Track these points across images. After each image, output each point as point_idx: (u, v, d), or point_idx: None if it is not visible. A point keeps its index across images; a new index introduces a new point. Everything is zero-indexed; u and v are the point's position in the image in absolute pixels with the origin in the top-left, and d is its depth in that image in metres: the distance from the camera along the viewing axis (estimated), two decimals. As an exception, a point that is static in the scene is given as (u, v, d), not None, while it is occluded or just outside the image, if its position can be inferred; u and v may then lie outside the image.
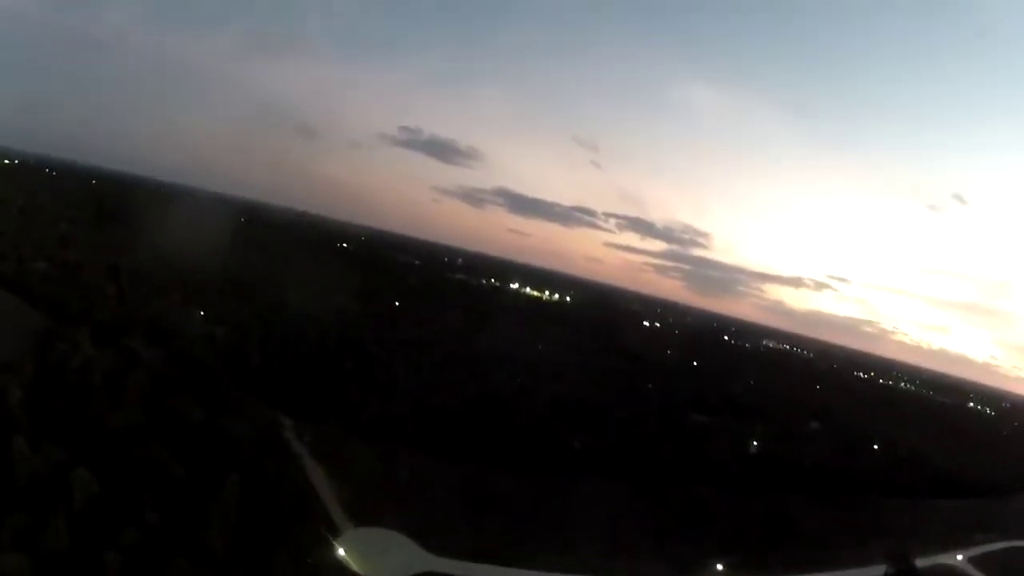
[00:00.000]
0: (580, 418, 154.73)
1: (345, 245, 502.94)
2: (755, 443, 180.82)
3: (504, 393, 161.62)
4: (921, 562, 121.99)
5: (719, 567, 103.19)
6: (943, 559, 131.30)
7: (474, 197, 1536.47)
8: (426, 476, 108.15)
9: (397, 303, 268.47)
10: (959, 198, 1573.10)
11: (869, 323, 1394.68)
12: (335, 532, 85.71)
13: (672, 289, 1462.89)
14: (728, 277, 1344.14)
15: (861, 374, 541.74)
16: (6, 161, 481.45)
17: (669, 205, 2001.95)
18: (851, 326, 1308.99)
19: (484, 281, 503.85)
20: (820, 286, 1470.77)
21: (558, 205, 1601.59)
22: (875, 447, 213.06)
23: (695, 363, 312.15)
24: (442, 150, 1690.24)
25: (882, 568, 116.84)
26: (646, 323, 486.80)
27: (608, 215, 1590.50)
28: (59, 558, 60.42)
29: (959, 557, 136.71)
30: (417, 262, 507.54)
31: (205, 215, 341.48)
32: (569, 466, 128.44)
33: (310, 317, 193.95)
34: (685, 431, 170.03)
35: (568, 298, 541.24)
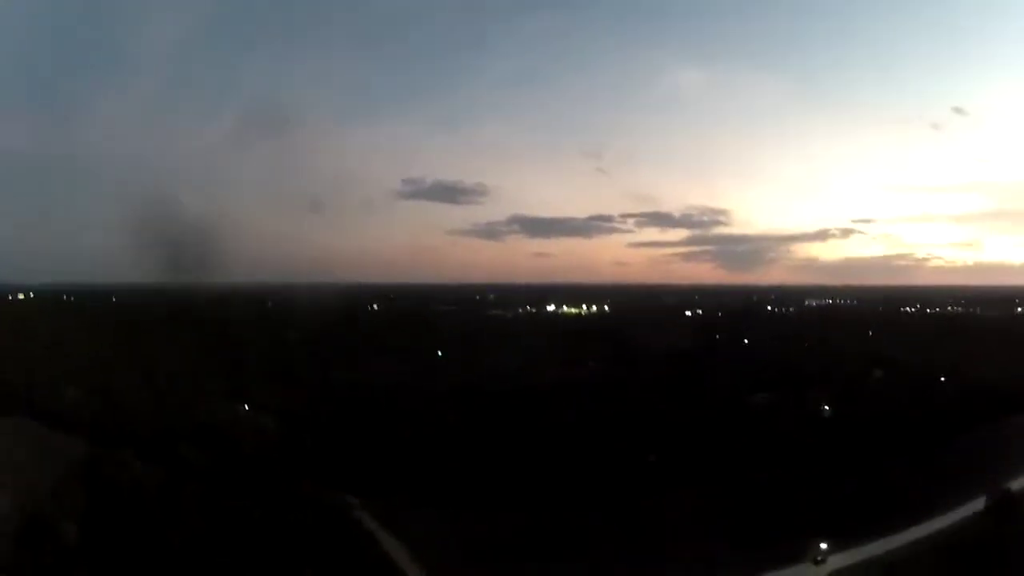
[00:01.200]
0: (646, 432, 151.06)
1: (376, 307, 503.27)
2: (825, 408, 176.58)
3: (566, 422, 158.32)
4: (1016, 485, 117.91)
5: (823, 546, 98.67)
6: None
7: (491, 231, 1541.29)
8: (507, 528, 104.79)
9: (439, 353, 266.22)
10: (959, 111, 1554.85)
11: (902, 256, 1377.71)
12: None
13: (705, 272, 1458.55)
14: (755, 247, 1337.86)
15: (908, 308, 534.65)
16: (21, 296, 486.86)
17: (681, 192, 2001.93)
18: (885, 264, 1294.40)
19: (520, 311, 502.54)
20: (847, 233, 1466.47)
21: (574, 219, 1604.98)
22: (942, 379, 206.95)
23: (745, 341, 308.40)
24: (449, 192, 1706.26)
25: (981, 501, 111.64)
26: (688, 313, 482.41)
27: (625, 216, 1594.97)
28: None
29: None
30: (452, 308, 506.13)
31: (231, 307, 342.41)
32: (648, 484, 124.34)
33: (354, 386, 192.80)
34: (751, 416, 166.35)
35: (606, 307, 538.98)
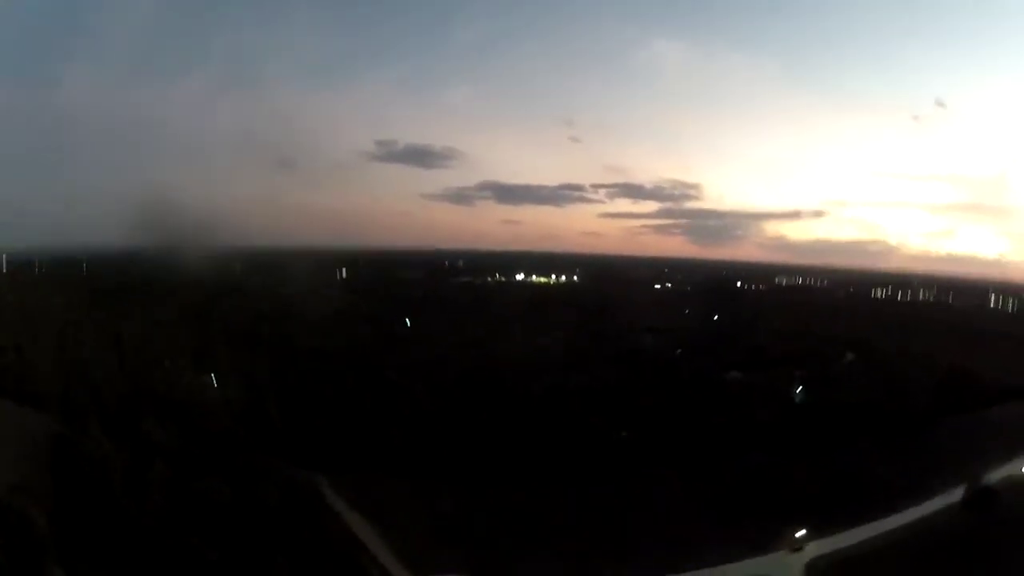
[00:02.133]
0: (616, 408, 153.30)
1: (345, 272, 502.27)
2: (797, 391, 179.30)
3: (533, 396, 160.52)
4: (992, 476, 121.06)
5: (797, 535, 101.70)
6: (1012, 469, 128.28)
7: (461, 196, 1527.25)
8: (474, 506, 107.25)
9: (408, 322, 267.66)
10: (940, 103, 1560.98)
11: (874, 241, 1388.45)
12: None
13: (675, 246, 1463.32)
14: (726, 223, 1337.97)
15: (879, 293, 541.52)
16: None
17: (654, 165, 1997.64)
18: (857, 247, 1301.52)
19: (489, 279, 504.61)
20: (818, 214, 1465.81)
21: (545, 187, 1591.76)
22: (914, 367, 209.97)
23: (715, 318, 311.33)
24: (420, 156, 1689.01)
25: (959, 492, 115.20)
26: (657, 286, 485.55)
27: (596, 187, 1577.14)
28: None
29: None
30: (419, 275, 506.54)
31: (200, 271, 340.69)
32: (618, 464, 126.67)
33: (323, 356, 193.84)
34: (723, 396, 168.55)
35: (575, 278, 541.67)
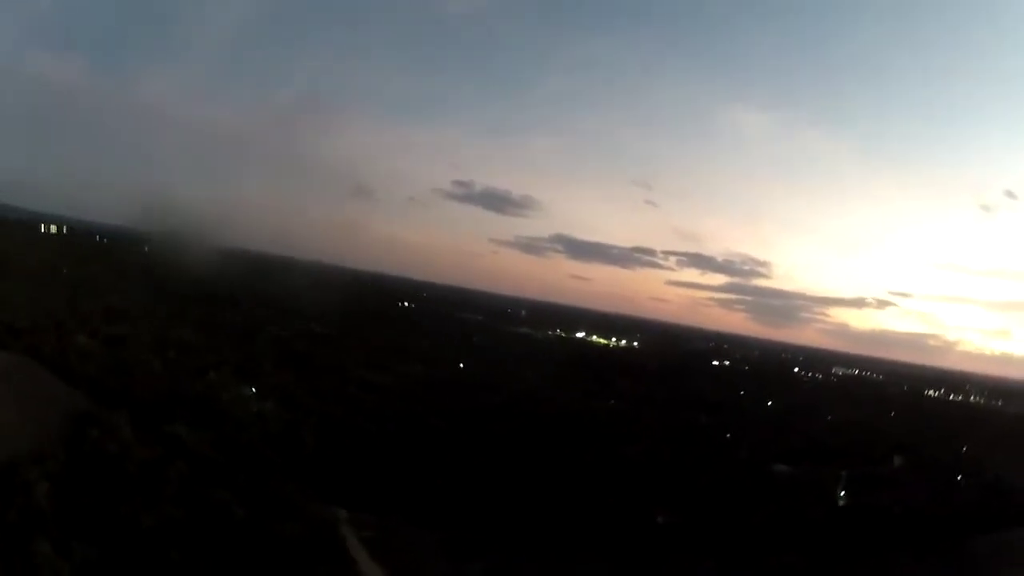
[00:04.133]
0: (664, 487, 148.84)
1: (407, 304, 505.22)
2: (842, 492, 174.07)
3: (581, 463, 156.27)
4: None
5: None
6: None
7: (533, 246, 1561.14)
8: (502, 574, 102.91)
9: (462, 365, 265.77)
10: (1011, 194, 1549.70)
11: (933, 336, 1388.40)
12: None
13: (737, 322, 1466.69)
14: (790, 304, 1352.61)
15: (931, 392, 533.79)
16: (53, 229, 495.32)
17: (726, 237, 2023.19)
18: (916, 341, 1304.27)
19: (550, 332, 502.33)
20: (883, 304, 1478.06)
21: (616, 247, 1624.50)
22: (959, 477, 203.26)
23: (769, 403, 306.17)
24: (497, 201, 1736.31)
25: None
26: (715, 362, 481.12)
27: (667, 253, 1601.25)
28: None
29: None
30: (480, 317, 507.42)
31: (262, 280, 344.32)
32: (658, 546, 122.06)
33: (370, 387, 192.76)
34: (770, 488, 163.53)
35: (636, 343, 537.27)
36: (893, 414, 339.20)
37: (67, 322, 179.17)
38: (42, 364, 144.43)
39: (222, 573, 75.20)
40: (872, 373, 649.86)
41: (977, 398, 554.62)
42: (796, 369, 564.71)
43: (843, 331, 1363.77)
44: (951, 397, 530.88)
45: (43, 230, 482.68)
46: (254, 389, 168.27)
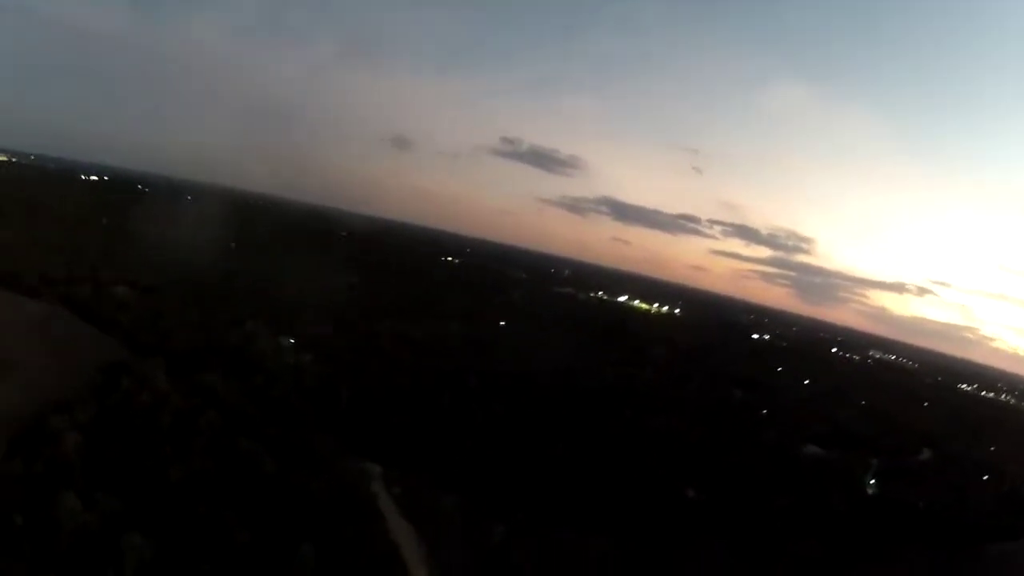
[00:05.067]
0: (694, 463, 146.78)
1: (450, 258, 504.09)
2: (870, 481, 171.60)
3: (611, 434, 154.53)
4: None
5: None
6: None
7: (578, 206, 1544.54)
8: (524, 539, 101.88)
9: (502, 323, 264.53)
10: None
11: (969, 329, 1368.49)
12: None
13: (779, 297, 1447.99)
14: (831, 283, 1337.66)
15: (964, 386, 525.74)
16: (94, 177, 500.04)
17: (772, 210, 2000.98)
18: (951, 332, 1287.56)
19: (591, 295, 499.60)
20: (922, 291, 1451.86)
21: (661, 213, 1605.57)
22: (984, 478, 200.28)
23: (806, 382, 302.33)
24: (544, 160, 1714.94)
25: None
26: (755, 336, 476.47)
27: (712, 222, 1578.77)
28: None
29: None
30: (523, 275, 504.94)
31: (301, 231, 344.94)
32: (682, 522, 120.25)
33: (408, 342, 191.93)
34: (799, 471, 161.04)
35: (677, 310, 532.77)
36: (926, 405, 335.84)
37: (103, 271, 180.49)
38: (77, 313, 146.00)
39: (249, 528, 74.46)
40: (907, 360, 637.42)
41: (1008, 398, 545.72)
42: (833, 349, 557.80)
43: (881, 315, 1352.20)
44: (983, 394, 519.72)
45: (83, 179, 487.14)
46: (291, 340, 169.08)
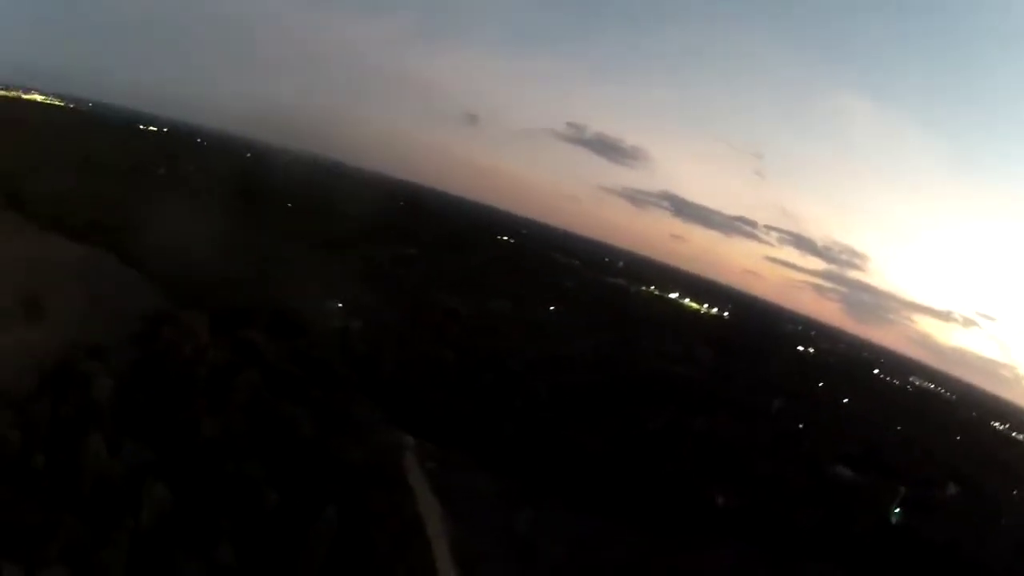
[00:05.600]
0: (727, 467, 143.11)
1: (506, 238, 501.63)
2: (895, 509, 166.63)
3: (651, 431, 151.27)
4: None
5: None
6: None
7: (638, 199, 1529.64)
8: (551, 526, 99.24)
9: (551, 307, 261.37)
10: None
11: (1006, 366, 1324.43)
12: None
13: (828, 311, 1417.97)
14: (881, 303, 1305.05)
15: (997, 424, 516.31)
16: (152, 128, 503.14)
17: (829, 223, 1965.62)
18: (989, 367, 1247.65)
19: (643, 288, 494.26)
20: (968, 323, 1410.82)
21: (720, 214, 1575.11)
22: (1005, 521, 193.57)
23: (844, 400, 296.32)
24: (608, 148, 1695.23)
25: None
26: (800, 348, 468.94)
27: (769, 228, 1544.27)
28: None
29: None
30: (576, 262, 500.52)
31: (361, 197, 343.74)
32: (708, 526, 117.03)
33: (457, 317, 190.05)
34: (828, 490, 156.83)
35: (726, 313, 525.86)
36: (958, 438, 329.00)
37: (155, 221, 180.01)
38: (124, 261, 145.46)
39: (277, 489, 72.58)
40: (946, 391, 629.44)
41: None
42: (875, 371, 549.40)
43: (925, 341, 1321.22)
44: (1014, 435, 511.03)
45: (141, 128, 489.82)
46: (339, 305, 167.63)
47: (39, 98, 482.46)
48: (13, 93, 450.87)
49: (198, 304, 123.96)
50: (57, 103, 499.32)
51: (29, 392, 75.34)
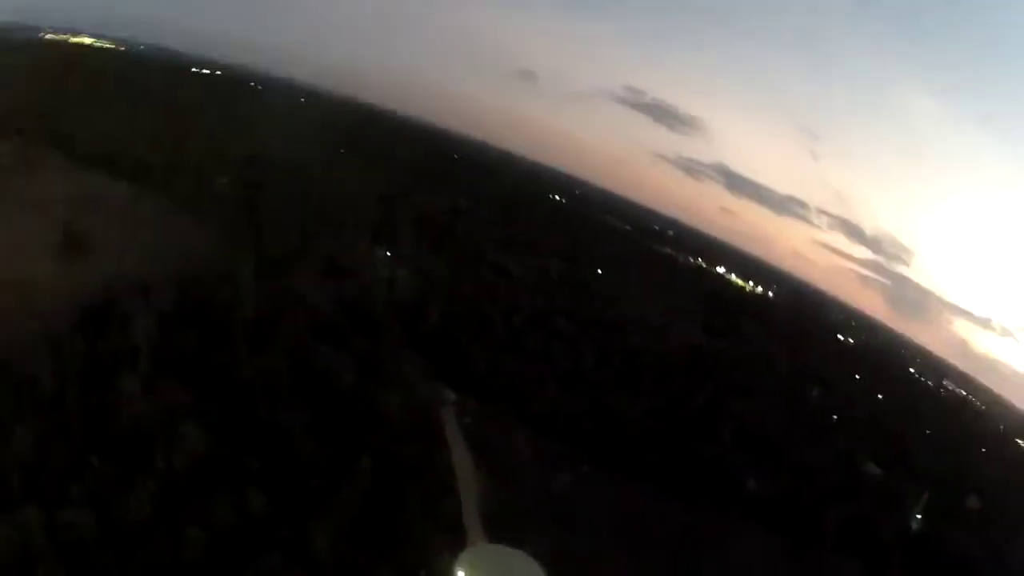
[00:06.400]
0: (761, 453, 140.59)
1: (558, 197, 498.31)
2: (918, 515, 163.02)
3: (693, 405, 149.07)
4: None
5: None
6: None
7: (692, 169, 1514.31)
8: (584, 490, 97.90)
9: (599, 271, 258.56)
10: None
11: None
12: (462, 543, 75.63)
13: (871, 302, 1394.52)
14: (923, 301, 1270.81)
15: (1020, 442, 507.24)
16: (206, 71, 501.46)
17: (879, 213, 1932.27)
18: (1018, 382, 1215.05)
19: (691, 259, 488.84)
20: (1006, 333, 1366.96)
21: (772, 191, 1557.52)
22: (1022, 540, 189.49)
23: (879, 396, 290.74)
24: (664, 115, 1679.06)
25: None
26: (840, 337, 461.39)
27: (820, 211, 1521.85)
28: (133, 527, 55.12)
29: None
30: (627, 227, 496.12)
31: (414, 147, 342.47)
32: (737, 509, 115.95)
33: (505, 274, 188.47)
34: (857, 487, 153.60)
35: (771, 293, 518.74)
36: (984, 450, 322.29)
37: (206, 164, 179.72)
38: (171, 201, 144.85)
39: (314, 436, 71.76)
40: (977, 401, 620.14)
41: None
42: (911, 369, 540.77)
43: (963, 346, 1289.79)
44: None
45: (194, 71, 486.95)
46: (388, 253, 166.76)
47: (88, 40, 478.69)
48: (61, 36, 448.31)
49: (246, 248, 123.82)
50: (108, 45, 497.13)
51: (67, 327, 74.84)
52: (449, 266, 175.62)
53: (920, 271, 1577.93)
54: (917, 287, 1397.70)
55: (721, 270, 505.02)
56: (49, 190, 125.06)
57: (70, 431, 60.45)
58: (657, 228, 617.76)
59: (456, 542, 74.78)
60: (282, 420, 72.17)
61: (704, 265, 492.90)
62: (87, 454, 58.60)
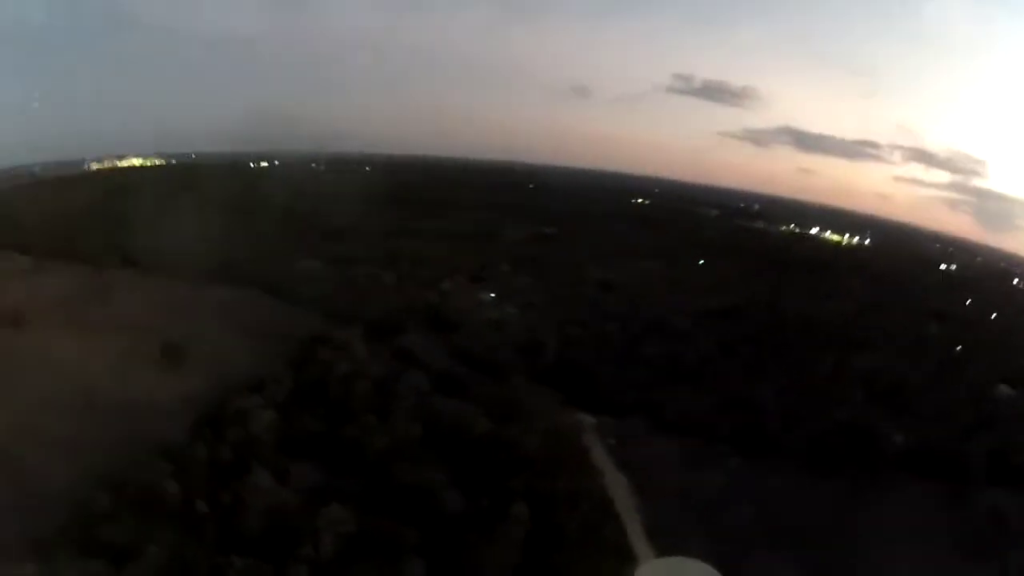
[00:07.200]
0: (896, 402, 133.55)
1: (640, 200, 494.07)
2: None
3: (819, 373, 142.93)
4: None
5: None
6: None
7: (759, 138, 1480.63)
8: (738, 485, 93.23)
9: (701, 261, 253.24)
10: None
11: None
12: (633, 564, 71.70)
13: (961, 224, 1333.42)
14: (1008, 209, 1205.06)
15: None
16: (264, 164, 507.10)
17: (944, 132, 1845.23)
18: None
19: (783, 228, 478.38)
20: None
21: (841, 140, 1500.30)
22: None
23: (992, 316, 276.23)
24: (718, 92, 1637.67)
25: None
26: (942, 266, 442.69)
27: (892, 147, 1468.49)
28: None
29: None
30: (714, 212, 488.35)
31: (486, 187, 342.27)
32: (887, 464, 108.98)
33: (609, 286, 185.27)
34: (993, 414, 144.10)
35: (866, 241, 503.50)
36: None
37: (288, 248, 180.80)
38: (267, 292, 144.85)
39: (459, 491, 68.99)
40: None
41: None
42: (1015, 281, 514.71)
43: None
44: None
45: (251, 167, 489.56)
46: (492, 295, 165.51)
47: (137, 162, 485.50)
48: (108, 164, 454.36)
49: (350, 320, 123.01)
50: (157, 162, 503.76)
51: (184, 437, 73.49)
52: (552, 292, 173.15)
53: (998, 180, 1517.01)
54: (1000, 196, 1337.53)
55: (814, 231, 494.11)
56: (132, 308, 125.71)
57: (204, 536, 58.55)
58: (743, 205, 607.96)
59: (626, 565, 71.25)
60: (423, 481, 69.41)
61: (797, 230, 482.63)
62: (227, 555, 56.39)
